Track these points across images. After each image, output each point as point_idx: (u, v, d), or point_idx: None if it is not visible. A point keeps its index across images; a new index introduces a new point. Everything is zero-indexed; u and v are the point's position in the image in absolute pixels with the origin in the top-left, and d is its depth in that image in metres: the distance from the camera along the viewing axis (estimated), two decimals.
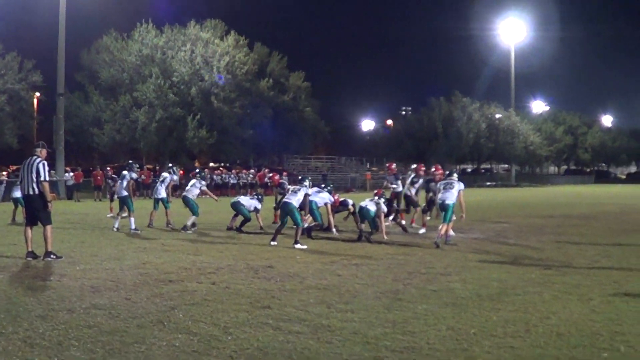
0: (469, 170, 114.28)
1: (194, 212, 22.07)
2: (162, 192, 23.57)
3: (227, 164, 70.91)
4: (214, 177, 53.36)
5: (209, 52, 62.15)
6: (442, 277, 12.41)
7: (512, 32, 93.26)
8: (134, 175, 22.90)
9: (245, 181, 55.47)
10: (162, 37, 61.90)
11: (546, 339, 8.04)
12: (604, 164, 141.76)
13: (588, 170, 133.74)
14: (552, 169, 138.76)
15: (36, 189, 14.81)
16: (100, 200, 45.65)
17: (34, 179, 14.79)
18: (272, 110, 68.80)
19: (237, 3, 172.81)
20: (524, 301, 10.19)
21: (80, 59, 63.61)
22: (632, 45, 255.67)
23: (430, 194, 22.06)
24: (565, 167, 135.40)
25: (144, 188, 49.99)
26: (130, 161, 24.87)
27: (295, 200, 18.78)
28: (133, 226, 21.25)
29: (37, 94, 61.06)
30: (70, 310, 9.53)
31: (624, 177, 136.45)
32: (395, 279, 12.18)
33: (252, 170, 58.56)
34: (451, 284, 11.63)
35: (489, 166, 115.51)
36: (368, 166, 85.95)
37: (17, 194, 23.37)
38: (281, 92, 72.61)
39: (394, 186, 23.52)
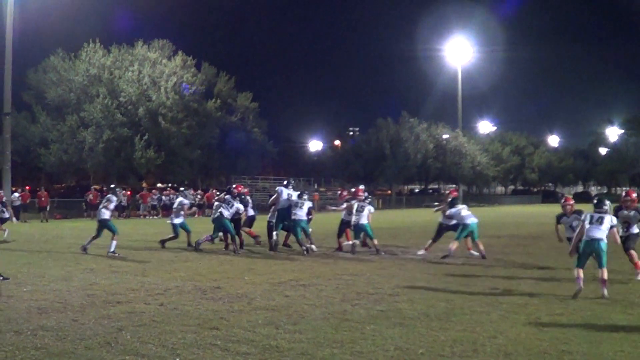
0: (417, 190, 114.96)
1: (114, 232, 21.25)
2: (179, 218, 23.31)
3: (175, 185, 70.58)
4: (163, 197, 53.07)
5: (157, 72, 62.02)
6: (390, 297, 12.51)
7: (459, 53, 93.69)
8: (115, 199, 22.51)
9: (192, 202, 55.23)
10: (110, 56, 61.68)
11: (494, 358, 8.18)
12: (550, 184, 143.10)
13: (535, 190, 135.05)
14: (500, 189, 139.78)
15: None
16: (46, 221, 45.29)
17: None
18: (219, 130, 68.60)
19: (185, 23, 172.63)
20: (472, 321, 10.33)
21: (27, 78, 63.14)
22: (578, 66, 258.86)
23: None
24: (512, 187, 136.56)
25: (90, 209, 49.71)
26: (112, 186, 24.68)
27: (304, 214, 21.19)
28: (112, 249, 20.66)
29: None
30: (17, 331, 9.52)
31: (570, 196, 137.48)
32: (343, 300, 12.27)
33: (199, 191, 58.34)
34: (399, 304, 11.74)
35: (436, 186, 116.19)
36: (316, 187, 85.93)
37: None
38: (229, 113, 72.46)
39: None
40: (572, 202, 16.66)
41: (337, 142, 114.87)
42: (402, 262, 18.77)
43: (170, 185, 72.85)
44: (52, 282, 14.54)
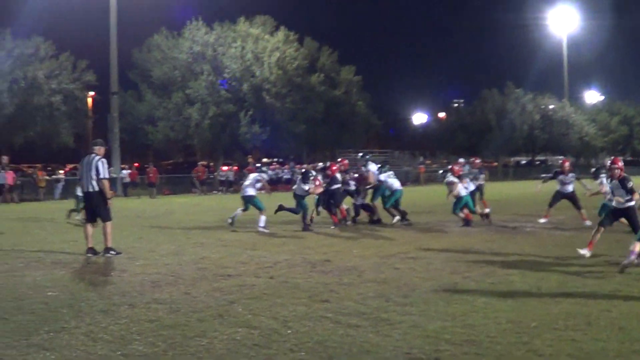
0: (524, 162, 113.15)
1: (261, 208, 20.83)
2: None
3: (281, 160, 70.93)
4: (268, 172, 53.40)
5: (259, 48, 62.13)
6: (500, 270, 12.30)
7: (564, 21, 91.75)
8: (265, 176, 22.55)
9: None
10: (213, 34, 61.94)
11: (608, 332, 7.89)
12: None
13: None
14: (608, 160, 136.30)
15: (96, 186, 15.00)
16: (154, 197, 46.04)
17: (93, 177, 14.97)
18: (323, 104, 68.61)
19: None
20: (584, 294, 10.03)
21: (133, 57, 63.98)
22: None
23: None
24: (621, 157, 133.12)
25: (201, 184, 50.65)
26: (258, 165, 24.65)
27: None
28: (262, 224, 20.38)
29: (92, 93, 61.62)
30: (131, 304, 9.66)
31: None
32: (453, 272, 12.12)
33: (304, 165, 58.53)
34: (510, 276, 11.53)
35: (543, 158, 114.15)
36: (421, 159, 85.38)
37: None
38: (332, 87, 72.30)
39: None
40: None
41: (441, 114, 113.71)
42: (512, 235, 18.49)
43: (276, 160, 73.28)
44: (163, 256, 14.76)
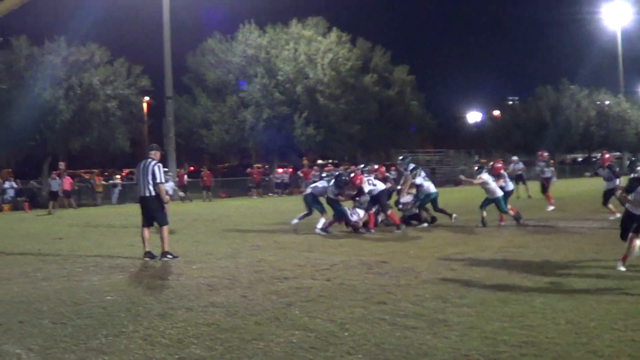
0: (580, 159, 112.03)
1: (322, 211, 20.67)
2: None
3: (335, 161, 70.94)
4: (323, 174, 53.46)
5: (312, 49, 62.19)
6: (558, 269, 12.13)
7: (617, 15, 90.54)
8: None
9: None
10: (265, 36, 62.13)
11: None
12: None
13: None
14: None
15: (152, 191, 15.10)
16: (210, 200, 46.29)
17: (150, 181, 15.08)
18: (377, 105, 68.52)
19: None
20: None
21: (186, 62, 64.42)
22: None
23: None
24: None
25: (257, 187, 51.11)
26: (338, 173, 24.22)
27: None
28: (320, 226, 20.25)
29: (146, 98, 62.07)
30: (188, 308, 9.70)
31: None
32: (510, 272, 11.97)
33: (361, 166, 58.39)
34: (568, 276, 11.36)
35: (600, 155, 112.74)
36: (476, 158, 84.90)
37: None
38: (386, 87, 72.16)
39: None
40: None
41: (496, 112, 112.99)
42: (569, 233, 18.23)
43: (330, 161, 73.28)
44: (220, 260, 14.82)
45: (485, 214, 20.79)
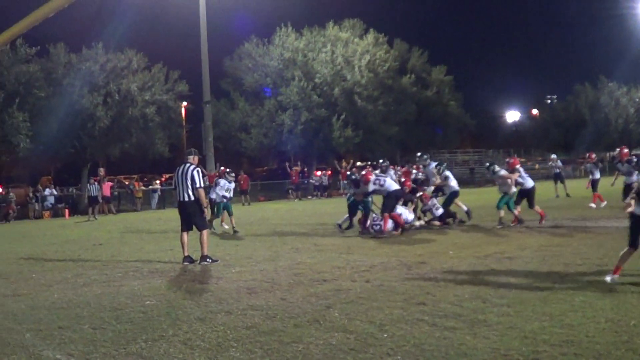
0: None
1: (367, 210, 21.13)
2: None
3: (374, 162, 70.94)
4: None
5: (349, 51, 62.32)
6: (598, 267, 11.94)
7: None
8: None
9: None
10: (302, 39, 62.39)
11: None
12: None
13: None
14: None
15: (192, 196, 15.16)
16: (248, 204, 46.38)
17: (189, 186, 15.13)
18: (415, 106, 68.54)
19: (374, 1, 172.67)
20: None
21: (224, 66, 64.73)
22: None
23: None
24: None
25: (296, 190, 51.15)
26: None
27: None
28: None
29: (185, 103, 62.33)
30: (228, 312, 9.69)
31: None
32: (550, 271, 11.84)
33: (398, 167, 58.29)
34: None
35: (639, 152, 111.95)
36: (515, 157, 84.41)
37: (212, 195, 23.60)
38: (424, 87, 72.23)
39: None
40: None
41: (534, 111, 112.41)
42: (609, 231, 18.02)
43: (369, 163, 73.28)
44: (259, 263, 14.80)
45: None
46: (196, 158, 15.86)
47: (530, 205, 20.91)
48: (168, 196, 50.11)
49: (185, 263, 15.07)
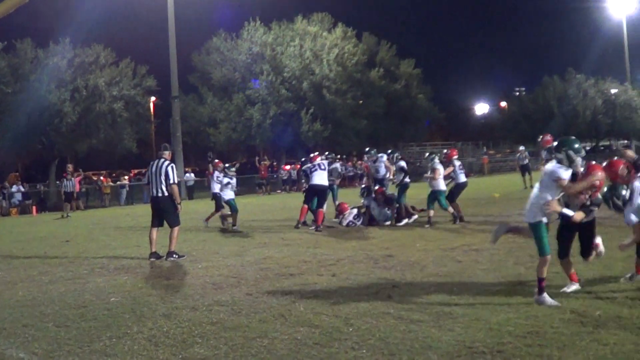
0: (588, 148, 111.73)
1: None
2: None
3: (344, 156, 71.05)
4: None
5: (318, 45, 62.27)
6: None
7: (622, 3, 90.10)
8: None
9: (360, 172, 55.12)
10: (271, 33, 62.22)
11: None
12: None
13: None
14: None
15: (165, 191, 15.13)
16: None
17: (163, 182, 15.10)
18: (384, 99, 68.64)
19: None
20: None
21: (192, 61, 64.54)
22: None
23: None
24: None
25: (264, 184, 51.16)
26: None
27: None
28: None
29: (153, 98, 62.05)
30: (193, 307, 9.72)
31: None
32: (516, 263, 12.00)
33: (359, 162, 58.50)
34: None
35: (607, 143, 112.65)
36: (485, 150, 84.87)
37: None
38: (392, 81, 72.26)
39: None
40: None
41: (503, 104, 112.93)
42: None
43: (338, 156, 73.30)
44: (226, 258, 14.81)
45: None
46: (170, 153, 15.90)
47: (451, 199, 20.42)
48: (136, 192, 49.94)
49: (152, 259, 15.03)
